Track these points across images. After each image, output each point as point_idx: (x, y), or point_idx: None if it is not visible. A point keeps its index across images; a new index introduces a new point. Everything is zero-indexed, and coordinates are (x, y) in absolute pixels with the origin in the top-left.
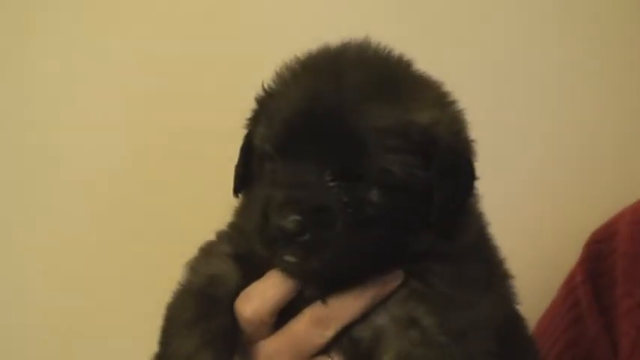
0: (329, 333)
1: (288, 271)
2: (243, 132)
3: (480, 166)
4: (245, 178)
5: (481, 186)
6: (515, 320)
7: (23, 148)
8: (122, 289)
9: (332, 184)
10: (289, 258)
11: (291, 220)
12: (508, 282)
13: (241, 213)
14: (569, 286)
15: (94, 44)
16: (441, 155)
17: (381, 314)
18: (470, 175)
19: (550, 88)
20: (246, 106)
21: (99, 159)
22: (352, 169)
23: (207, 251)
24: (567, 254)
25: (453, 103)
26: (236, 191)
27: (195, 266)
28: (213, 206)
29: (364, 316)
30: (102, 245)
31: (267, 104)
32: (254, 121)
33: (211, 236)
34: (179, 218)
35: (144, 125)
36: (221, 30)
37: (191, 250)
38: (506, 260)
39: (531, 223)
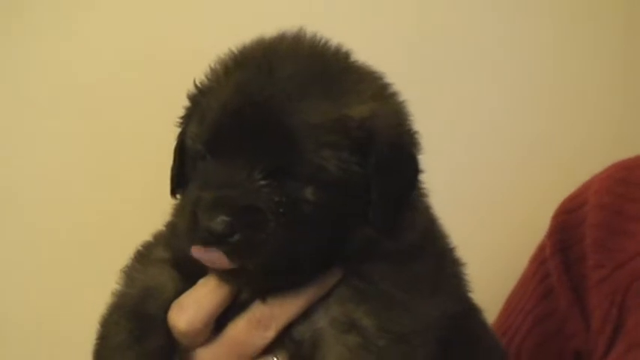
0: (270, 334)
1: (223, 273)
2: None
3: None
4: (180, 179)
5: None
6: (465, 317)
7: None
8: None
9: (263, 182)
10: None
11: (219, 221)
12: (458, 274)
13: (176, 214)
14: (539, 260)
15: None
16: (378, 149)
17: (321, 316)
18: (411, 170)
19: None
20: None
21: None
22: (283, 166)
23: (144, 256)
24: (537, 228)
25: (393, 95)
26: (173, 192)
27: (130, 274)
28: None
29: (305, 317)
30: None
31: (198, 101)
32: (186, 120)
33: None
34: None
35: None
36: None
37: None
38: (457, 248)
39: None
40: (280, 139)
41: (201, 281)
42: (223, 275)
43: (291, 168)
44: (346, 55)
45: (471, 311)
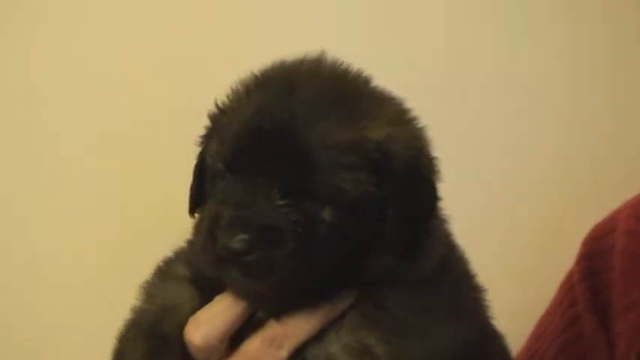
0: (283, 353)
1: (239, 291)
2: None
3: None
4: (199, 198)
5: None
6: (482, 344)
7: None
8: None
9: (281, 202)
10: (237, 278)
11: (238, 240)
12: (477, 300)
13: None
14: (567, 286)
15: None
16: (396, 172)
17: (334, 340)
18: (429, 195)
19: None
20: None
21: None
22: (302, 186)
23: (164, 273)
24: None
25: (412, 120)
26: (191, 211)
27: (150, 291)
28: None
29: (318, 339)
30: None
31: (219, 121)
32: (206, 139)
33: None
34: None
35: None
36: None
37: None
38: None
39: (533, 223)
40: (299, 159)
41: (217, 298)
42: (240, 293)
43: (310, 188)
44: (366, 80)
45: (489, 338)
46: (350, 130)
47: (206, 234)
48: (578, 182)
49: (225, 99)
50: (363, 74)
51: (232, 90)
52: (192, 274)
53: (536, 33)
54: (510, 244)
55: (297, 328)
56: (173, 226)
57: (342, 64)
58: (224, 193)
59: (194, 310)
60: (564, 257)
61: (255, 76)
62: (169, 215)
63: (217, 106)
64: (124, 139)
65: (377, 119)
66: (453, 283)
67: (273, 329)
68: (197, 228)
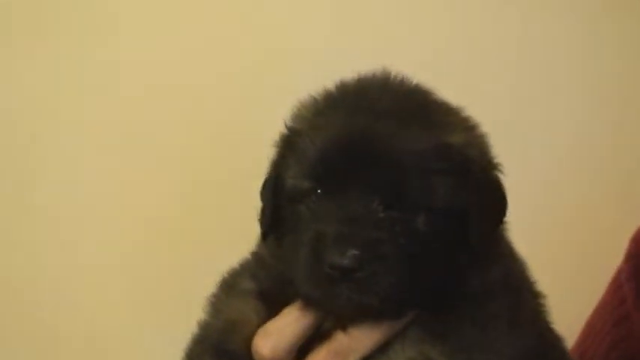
0: None
1: (347, 309)
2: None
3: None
4: (273, 222)
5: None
6: (543, 352)
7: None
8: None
9: (382, 214)
10: (347, 295)
11: (349, 256)
12: (537, 307)
13: (279, 256)
14: (616, 284)
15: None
16: (476, 177)
17: (398, 353)
18: (502, 200)
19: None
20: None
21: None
22: (400, 195)
23: (230, 286)
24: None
25: (477, 126)
26: (265, 236)
27: (216, 305)
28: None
29: (381, 352)
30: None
31: (294, 142)
32: (279, 162)
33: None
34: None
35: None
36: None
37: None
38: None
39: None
40: (392, 168)
41: (286, 310)
42: (348, 311)
43: (407, 196)
44: (429, 91)
45: (550, 344)
46: (433, 137)
47: (309, 253)
48: (625, 182)
49: (293, 121)
50: (424, 86)
51: (297, 113)
52: (259, 288)
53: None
54: (559, 244)
55: (362, 340)
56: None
57: (402, 77)
58: (315, 212)
59: (260, 325)
60: (613, 256)
61: (326, 95)
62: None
63: (288, 127)
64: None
65: (452, 126)
66: (515, 293)
67: (338, 342)
68: (287, 252)
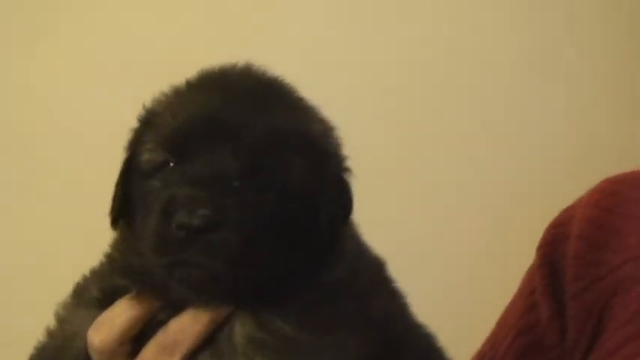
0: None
1: (193, 278)
2: None
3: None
4: (124, 208)
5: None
6: (396, 353)
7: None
8: None
9: (236, 183)
10: (195, 260)
11: (199, 216)
12: (395, 307)
13: (130, 239)
14: (529, 274)
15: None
16: (332, 169)
17: (228, 342)
18: (351, 197)
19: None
20: None
21: None
22: (256, 169)
23: (78, 295)
24: None
25: (335, 127)
26: (115, 222)
27: (60, 314)
28: None
29: (212, 344)
30: None
31: (152, 121)
32: (136, 140)
33: None
34: None
35: None
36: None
37: None
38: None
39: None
40: (250, 143)
41: (119, 300)
42: (193, 281)
43: (261, 171)
44: (290, 84)
45: (406, 345)
46: (293, 120)
47: (158, 218)
48: None
49: (155, 102)
50: (286, 80)
51: (158, 97)
52: (102, 295)
53: None
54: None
55: (184, 332)
56: None
57: (263, 69)
58: (171, 178)
59: None
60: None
61: (187, 80)
62: None
63: (146, 109)
64: None
65: (311, 117)
66: (362, 293)
67: (163, 335)
68: (141, 226)
